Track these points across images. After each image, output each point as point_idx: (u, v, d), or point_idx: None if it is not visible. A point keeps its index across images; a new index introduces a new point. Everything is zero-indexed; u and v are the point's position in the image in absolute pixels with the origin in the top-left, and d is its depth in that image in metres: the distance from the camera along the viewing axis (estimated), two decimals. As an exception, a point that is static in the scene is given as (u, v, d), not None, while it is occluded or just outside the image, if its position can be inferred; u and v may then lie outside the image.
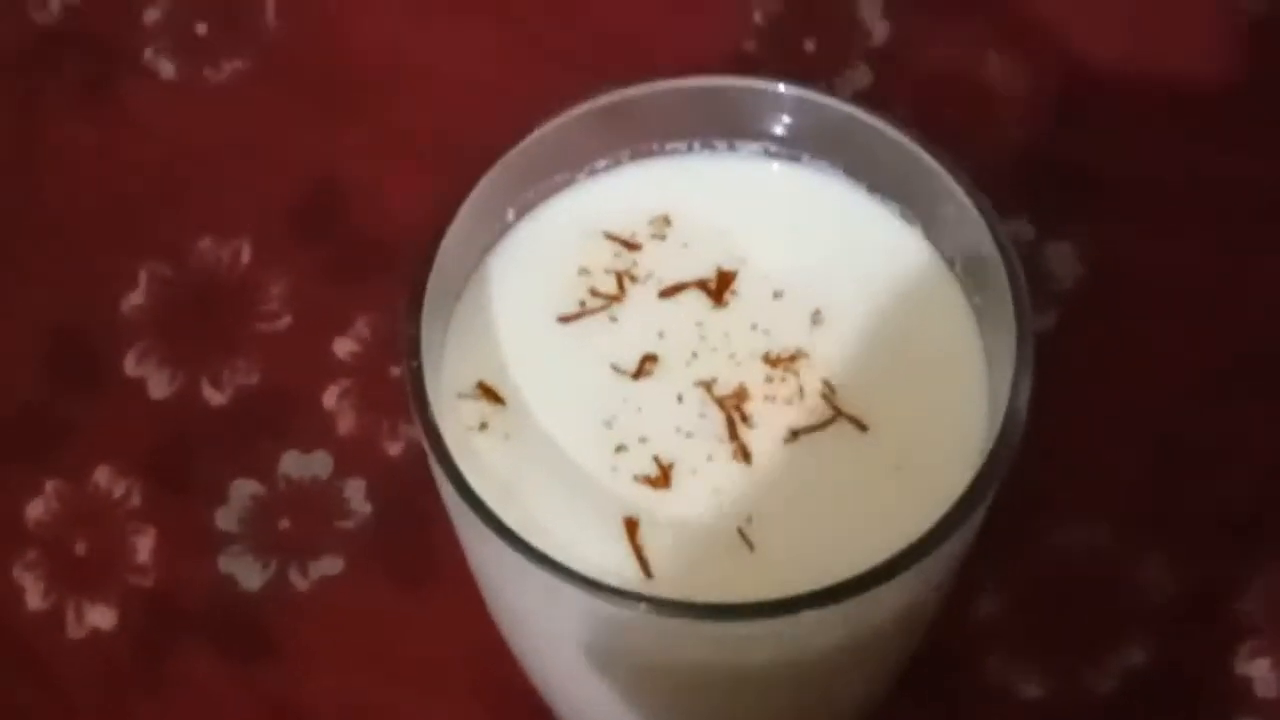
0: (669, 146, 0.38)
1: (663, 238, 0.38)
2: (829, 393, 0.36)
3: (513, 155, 0.35)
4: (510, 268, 0.37)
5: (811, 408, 0.36)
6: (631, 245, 0.37)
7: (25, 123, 0.56)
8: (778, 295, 0.37)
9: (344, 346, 0.53)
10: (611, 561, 0.34)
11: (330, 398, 0.52)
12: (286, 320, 0.53)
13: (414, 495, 0.51)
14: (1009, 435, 0.34)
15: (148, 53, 0.57)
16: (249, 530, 0.50)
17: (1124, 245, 0.53)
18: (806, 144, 0.37)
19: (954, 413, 0.35)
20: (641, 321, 0.37)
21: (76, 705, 0.48)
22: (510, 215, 0.37)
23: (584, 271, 0.37)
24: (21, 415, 0.52)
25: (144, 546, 0.50)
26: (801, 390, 0.36)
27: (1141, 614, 0.49)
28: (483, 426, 0.36)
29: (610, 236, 0.37)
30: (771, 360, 0.36)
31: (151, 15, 0.58)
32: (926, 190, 0.36)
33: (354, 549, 0.50)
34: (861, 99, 0.46)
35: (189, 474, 0.51)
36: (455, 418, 0.36)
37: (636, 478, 0.35)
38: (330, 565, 0.50)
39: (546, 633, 0.36)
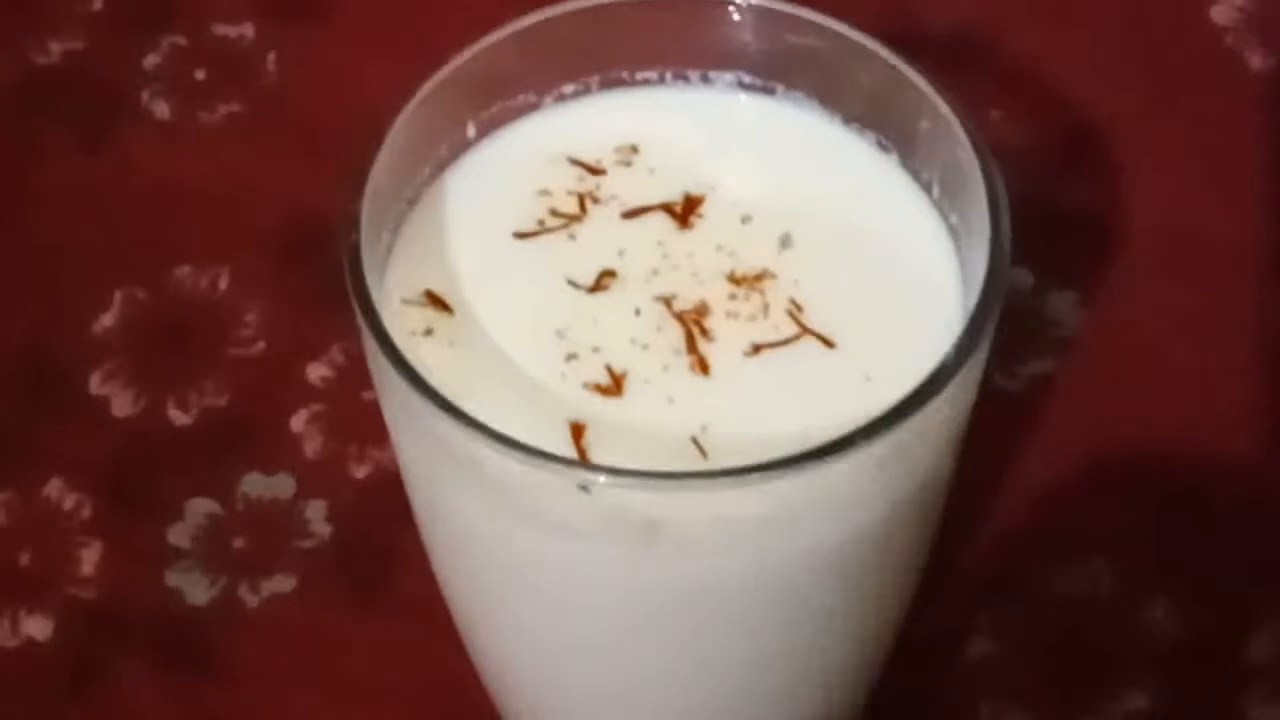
0: (639, 76, 0.37)
1: (629, 164, 0.36)
2: (795, 310, 0.34)
3: (472, 59, 0.34)
4: (468, 184, 0.36)
5: (776, 324, 0.34)
6: (596, 170, 0.36)
7: (18, 158, 0.56)
8: (746, 220, 0.35)
9: (317, 372, 0.51)
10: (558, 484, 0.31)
11: (299, 421, 0.50)
12: (260, 346, 0.52)
13: (377, 518, 0.49)
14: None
15: (145, 95, 0.57)
16: (201, 547, 0.48)
17: (1126, 293, 0.52)
18: (781, 73, 0.36)
19: (927, 331, 0.33)
20: (601, 240, 0.35)
21: (4, 713, 0.45)
22: (471, 132, 0.36)
23: (544, 193, 0.36)
24: (-22, 430, 0.51)
25: (89, 559, 0.48)
26: (766, 308, 0.34)
27: (1144, 658, 0.45)
28: (427, 332, 0.34)
29: (575, 161, 0.36)
30: (736, 279, 0.34)
31: (152, 60, 0.58)
32: (903, 108, 0.34)
33: (309, 568, 0.48)
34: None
35: (145, 491, 0.49)
36: (399, 323, 0.34)
37: (586, 385, 0.33)
38: (282, 583, 0.47)
39: (490, 550, 0.33)
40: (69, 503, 0.49)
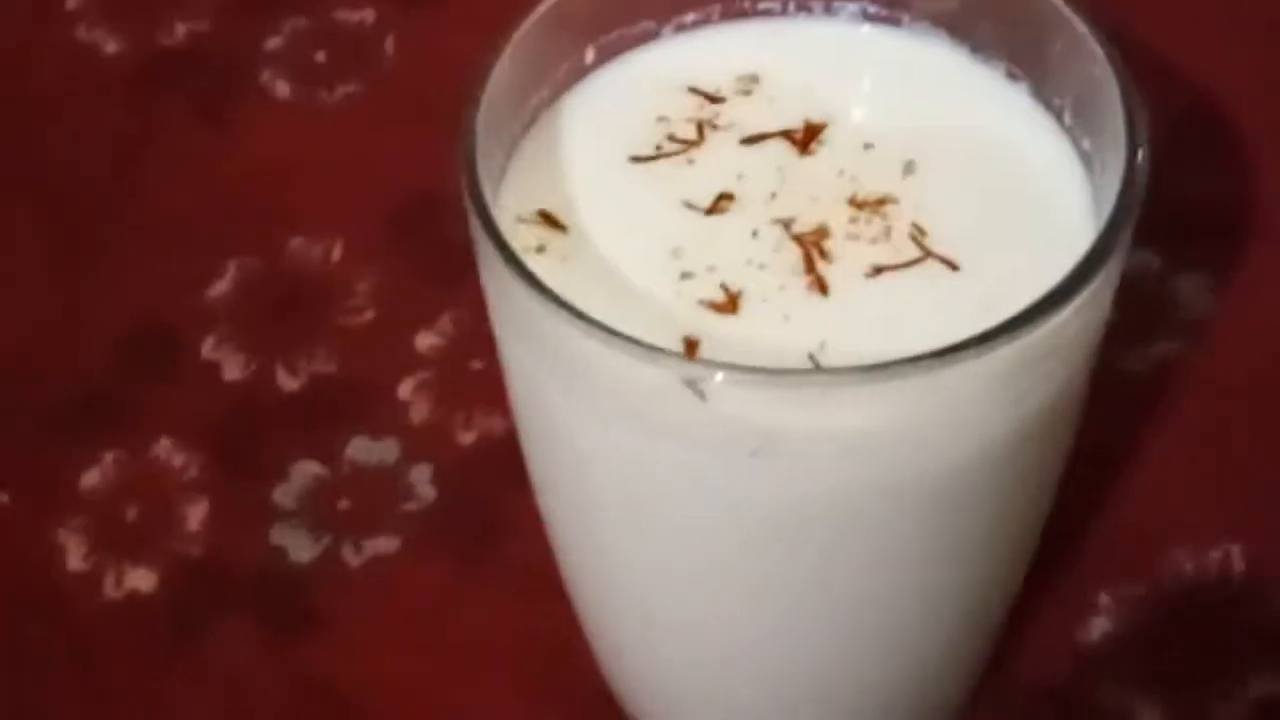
0: (761, 6, 0.36)
1: (749, 93, 0.35)
2: (919, 234, 0.33)
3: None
4: (585, 109, 0.35)
5: (898, 247, 0.33)
6: (715, 99, 0.35)
7: (141, 132, 0.57)
8: (868, 147, 0.35)
9: (426, 340, 0.51)
10: (668, 387, 0.30)
11: (406, 389, 0.50)
12: (370, 314, 0.52)
13: (483, 483, 0.48)
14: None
15: (265, 74, 0.58)
16: (306, 506, 0.48)
17: (1256, 277, 0.50)
18: (906, 2, 0.35)
19: (1055, 259, 0.31)
20: (720, 165, 0.34)
21: (105, 664, 0.45)
22: (590, 57, 0.35)
23: (663, 119, 0.35)
24: (91, 394, 0.51)
25: (195, 516, 0.48)
26: (889, 231, 0.33)
27: (1275, 644, 0.43)
28: (540, 249, 0.33)
29: (694, 90, 0.35)
30: (857, 203, 0.34)
31: (274, 42, 0.58)
32: (1035, 31, 0.33)
33: (413, 529, 0.47)
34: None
35: (252, 453, 0.49)
36: (512, 238, 0.33)
37: (701, 302, 0.32)
38: (386, 544, 0.47)
39: (596, 465, 0.32)
40: (177, 461, 0.49)
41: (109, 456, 0.49)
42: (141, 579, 0.47)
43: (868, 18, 0.36)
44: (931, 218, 0.33)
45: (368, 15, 0.59)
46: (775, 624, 0.34)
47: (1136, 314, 0.50)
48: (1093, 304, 0.30)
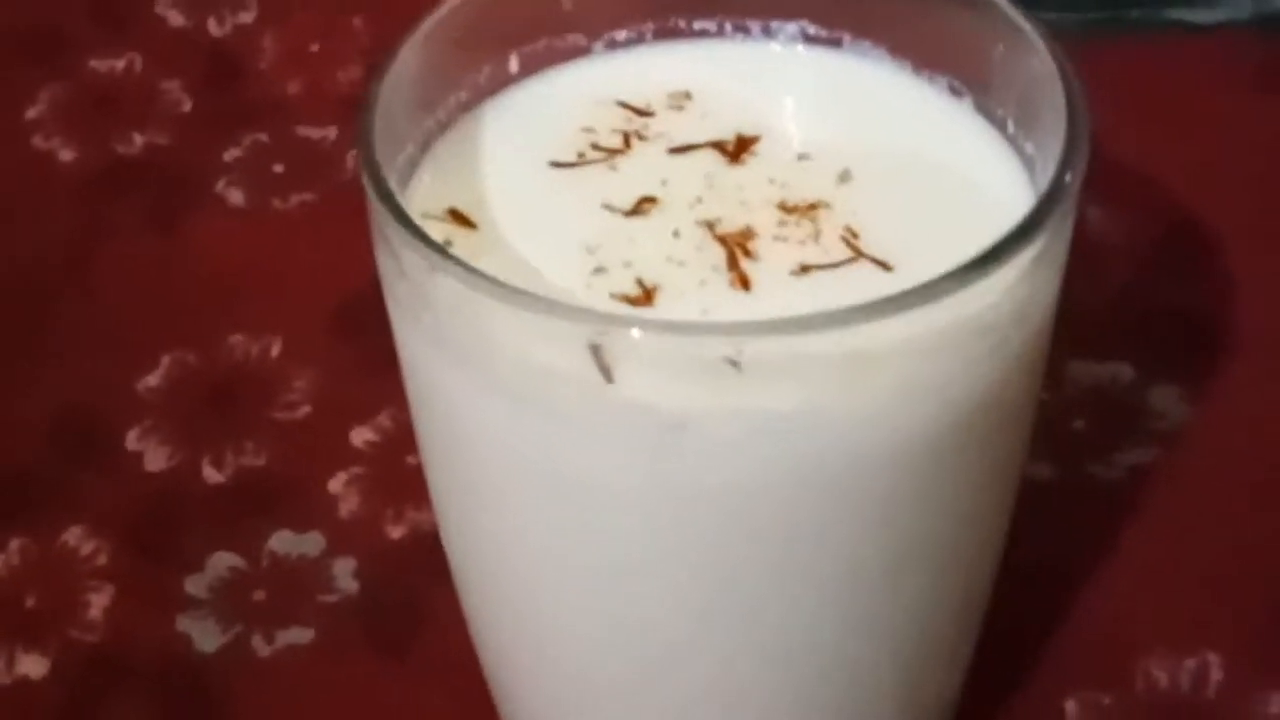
0: (697, 26, 0.35)
1: (680, 109, 0.34)
2: (851, 237, 0.31)
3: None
4: (507, 115, 0.33)
5: (828, 249, 0.31)
6: (644, 113, 0.34)
7: (91, 234, 0.55)
8: (802, 158, 0.33)
9: (362, 435, 0.48)
10: (573, 367, 0.28)
11: (337, 483, 0.47)
12: (305, 409, 0.49)
13: (407, 577, 0.45)
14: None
15: (220, 183, 0.56)
16: (218, 597, 0.45)
17: (1231, 390, 0.48)
18: (847, 23, 0.34)
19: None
20: (644, 171, 0.32)
21: (-18, 755, 0.42)
22: (514, 66, 0.34)
23: (588, 130, 0.33)
24: (6, 480, 0.48)
25: (98, 604, 0.45)
26: (819, 234, 0.31)
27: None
28: (446, 243, 0.31)
29: (623, 104, 0.34)
30: (788, 208, 0.32)
31: (233, 154, 0.57)
32: (976, 41, 0.32)
33: (329, 622, 0.44)
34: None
35: (166, 543, 0.46)
36: (415, 231, 0.31)
37: (614, 296, 0.30)
38: (299, 635, 0.44)
39: (494, 452, 0.29)
40: (86, 549, 0.46)
41: (14, 543, 0.46)
42: (32, 665, 0.43)
43: (806, 39, 0.35)
44: (865, 222, 0.31)
45: (330, 132, 0.59)
46: (693, 643, 0.31)
47: (1109, 422, 0.48)
48: (1024, 286, 0.28)
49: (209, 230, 0.56)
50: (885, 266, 0.30)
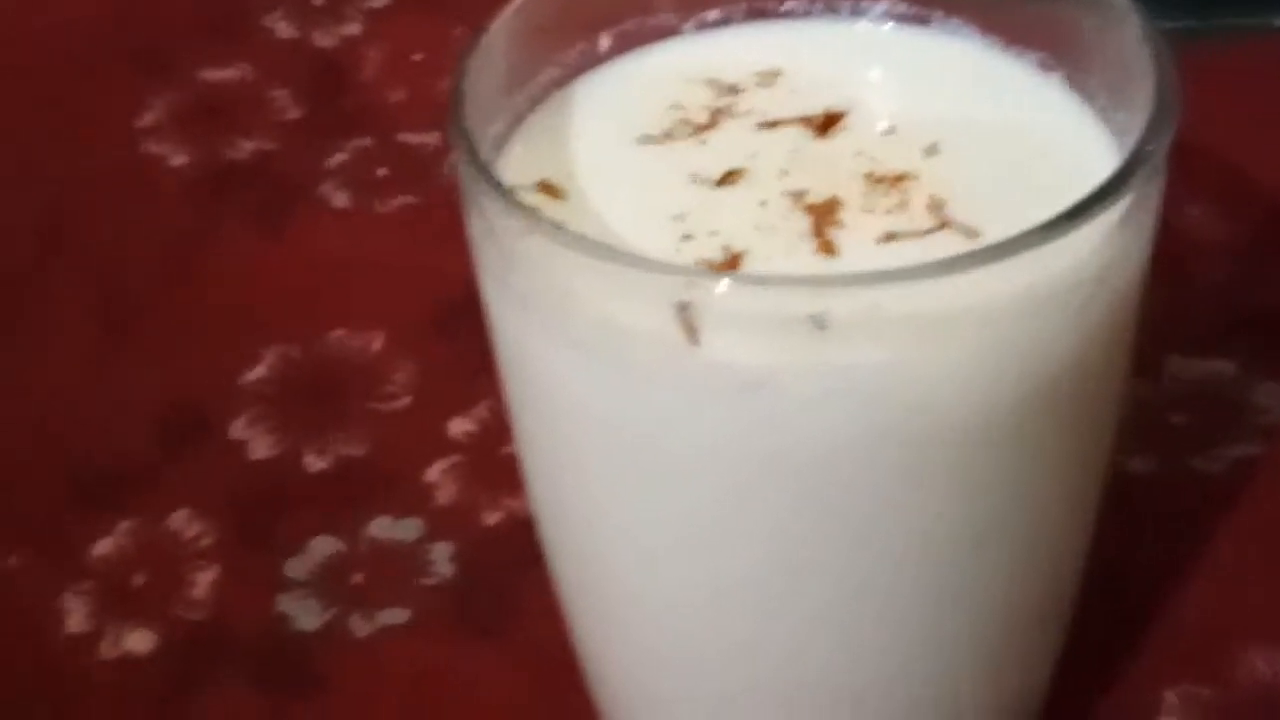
0: (786, 6, 0.35)
1: (769, 86, 0.34)
2: (938, 206, 0.31)
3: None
4: (597, 92, 0.34)
5: (914, 218, 0.31)
6: (733, 90, 0.34)
7: (198, 235, 0.57)
8: (889, 132, 0.33)
9: (460, 426, 0.49)
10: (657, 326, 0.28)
11: (434, 472, 0.48)
12: (405, 401, 0.50)
13: (503, 562, 0.46)
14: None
15: (325, 187, 0.58)
16: (317, 579, 0.46)
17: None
18: (936, 1, 0.34)
19: (1082, 228, 0.29)
20: (732, 146, 0.33)
21: (90, 723, 0.43)
22: (605, 44, 0.34)
23: (677, 107, 0.34)
24: (115, 468, 0.49)
25: (202, 583, 0.46)
26: (906, 204, 0.31)
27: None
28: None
29: (712, 82, 0.34)
30: (875, 179, 0.32)
31: (337, 159, 0.59)
32: (1066, 14, 0.32)
33: (425, 604, 0.45)
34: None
35: (269, 527, 0.47)
36: (505, 202, 0.32)
37: (700, 261, 0.30)
38: (397, 615, 0.44)
39: (587, 415, 0.30)
40: (191, 532, 0.47)
41: (124, 525, 0.47)
42: (138, 641, 0.44)
43: (895, 18, 0.35)
44: (953, 193, 0.31)
45: (431, 138, 0.60)
46: (779, 606, 0.31)
47: (1211, 417, 0.47)
48: (1108, 249, 0.28)
49: (314, 231, 0.57)
50: (972, 233, 0.30)
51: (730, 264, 0.30)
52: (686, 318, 0.28)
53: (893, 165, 0.32)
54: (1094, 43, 0.32)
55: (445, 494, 0.48)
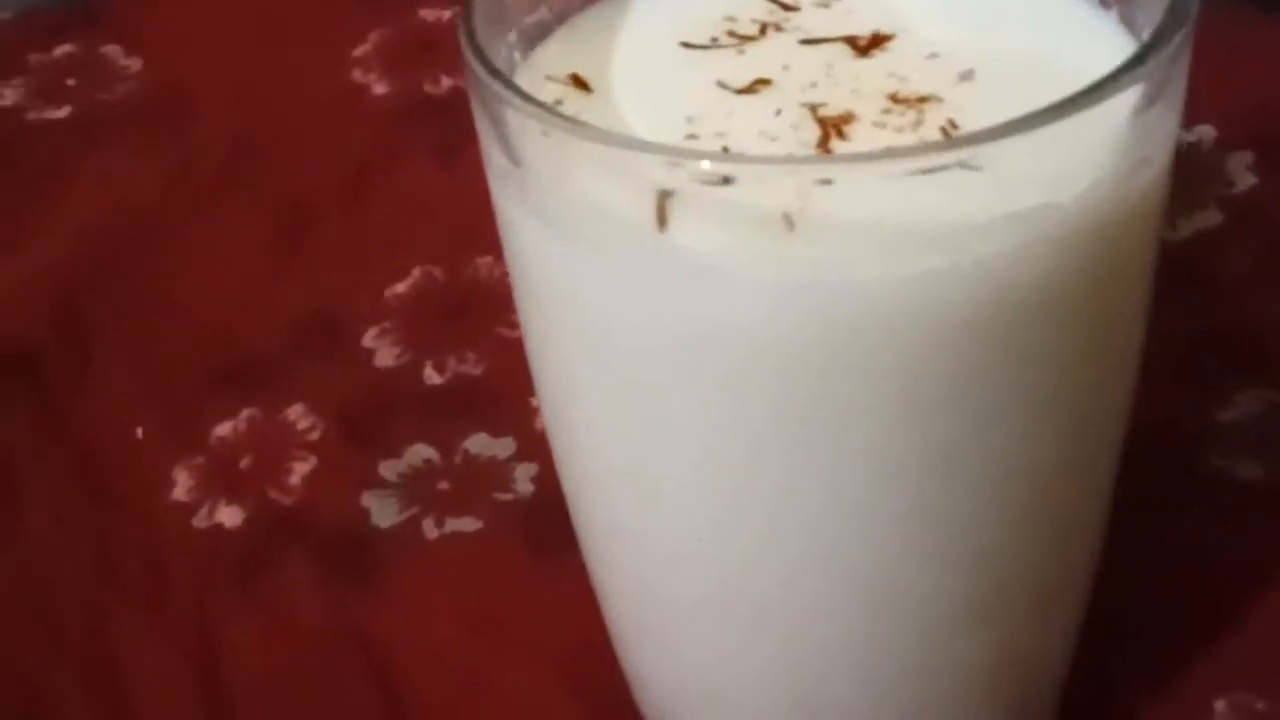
0: (860, -68, 0.34)
1: (827, 6, 0.34)
2: (951, 129, 0.30)
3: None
4: (653, 0, 0.34)
5: (924, 138, 0.30)
6: (790, 7, 0.34)
7: (383, 160, 0.59)
8: (931, 56, 0.32)
9: (574, 358, 0.50)
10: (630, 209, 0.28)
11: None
12: (529, 329, 0.51)
13: (582, 488, 0.46)
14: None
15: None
16: (405, 482, 0.47)
17: None
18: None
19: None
20: (770, 57, 0.32)
21: (174, 584, 0.45)
22: (667, -48, 0.34)
23: (729, 18, 0.34)
24: (253, 360, 0.52)
25: (300, 471, 0.48)
26: (919, 123, 0.30)
27: None
28: (556, 103, 0.32)
29: (771, -1, 0.34)
30: (898, 99, 0.31)
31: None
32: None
33: (498, 516, 0.45)
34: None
35: (374, 430, 0.49)
36: (532, 90, 0.32)
37: (696, 158, 0.30)
38: (468, 524, 0.45)
39: (566, 300, 0.30)
40: (303, 424, 0.49)
41: (244, 413, 0.50)
42: (229, 515, 0.46)
43: (970, -53, 0.34)
44: (971, 118, 0.30)
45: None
46: (768, 522, 0.30)
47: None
48: (1104, 150, 0.27)
49: (483, 169, 0.58)
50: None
51: (725, 162, 0.30)
52: (661, 203, 0.28)
53: (921, 88, 0.31)
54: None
55: (543, 421, 0.48)
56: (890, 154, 0.27)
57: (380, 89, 0.62)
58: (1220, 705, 0.38)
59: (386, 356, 0.51)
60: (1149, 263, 0.31)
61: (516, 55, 0.33)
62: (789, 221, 0.28)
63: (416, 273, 0.54)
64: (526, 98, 0.29)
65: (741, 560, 0.33)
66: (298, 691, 0.42)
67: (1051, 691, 0.37)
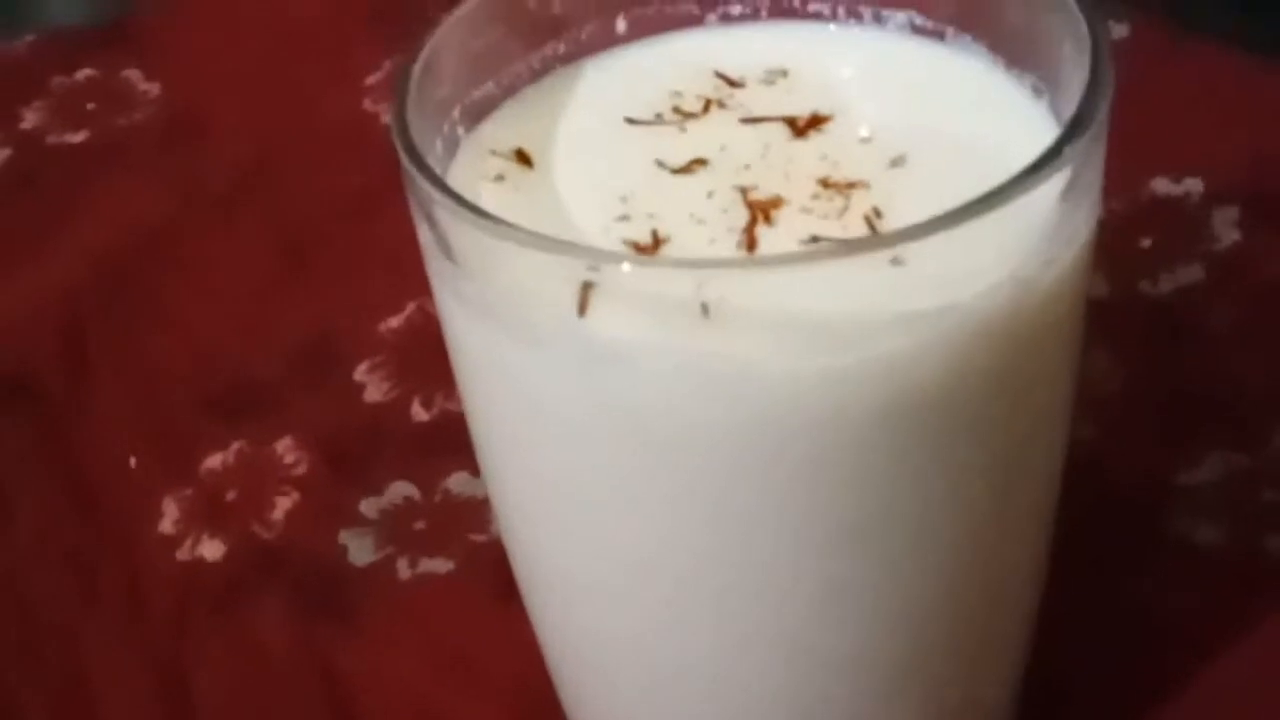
0: (810, 9, 0.35)
1: (772, 84, 0.34)
2: (874, 217, 0.30)
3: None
4: (603, 73, 0.35)
5: (848, 225, 0.31)
6: (736, 84, 0.34)
7: (384, 192, 0.60)
8: (865, 140, 0.33)
9: (558, 399, 0.51)
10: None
11: (522, 437, 0.50)
12: (516, 368, 0.52)
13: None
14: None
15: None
16: (384, 520, 0.48)
17: None
18: (953, 16, 0.33)
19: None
20: (709, 136, 0.33)
21: (153, 614, 0.46)
22: (622, 27, 0.35)
23: (676, 94, 0.34)
24: (247, 390, 0.53)
25: (282, 506, 0.49)
26: (846, 210, 0.31)
27: None
28: (498, 178, 0.33)
29: (719, 74, 0.34)
30: (828, 183, 0.32)
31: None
32: (1049, 35, 0.31)
33: (470, 557, 0.46)
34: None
35: (359, 466, 0.50)
36: (475, 165, 0.33)
37: (625, 241, 0.31)
38: (440, 565, 0.46)
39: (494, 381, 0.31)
40: (290, 458, 0.50)
41: (235, 445, 0.51)
42: (211, 549, 0.48)
43: (914, 29, 0.34)
44: (897, 206, 0.31)
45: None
46: (683, 596, 0.31)
47: None
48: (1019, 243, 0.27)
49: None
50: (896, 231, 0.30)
51: (651, 248, 0.31)
52: (584, 293, 0.29)
53: (851, 173, 0.32)
54: (1070, 70, 0.31)
55: (524, 459, 0.49)
56: (788, 259, 0.28)
57: (389, 116, 0.63)
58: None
59: (376, 392, 0.52)
60: (1064, 356, 0.32)
61: (461, 130, 0.34)
62: (705, 311, 0.28)
63: (411, 307, 0.55)
64: (453, 196, 0.30)
65: (661, 623, 0.34)
66: (261, 716, 0.43)
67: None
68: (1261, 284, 0.50)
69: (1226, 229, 0.51)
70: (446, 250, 0.31)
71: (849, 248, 0.27)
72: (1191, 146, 0.54)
